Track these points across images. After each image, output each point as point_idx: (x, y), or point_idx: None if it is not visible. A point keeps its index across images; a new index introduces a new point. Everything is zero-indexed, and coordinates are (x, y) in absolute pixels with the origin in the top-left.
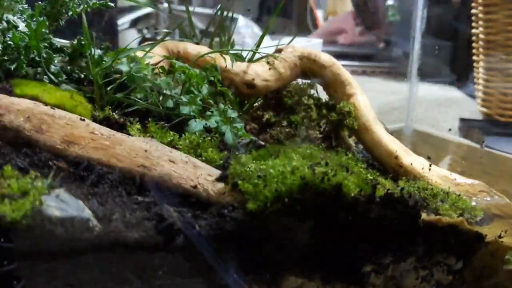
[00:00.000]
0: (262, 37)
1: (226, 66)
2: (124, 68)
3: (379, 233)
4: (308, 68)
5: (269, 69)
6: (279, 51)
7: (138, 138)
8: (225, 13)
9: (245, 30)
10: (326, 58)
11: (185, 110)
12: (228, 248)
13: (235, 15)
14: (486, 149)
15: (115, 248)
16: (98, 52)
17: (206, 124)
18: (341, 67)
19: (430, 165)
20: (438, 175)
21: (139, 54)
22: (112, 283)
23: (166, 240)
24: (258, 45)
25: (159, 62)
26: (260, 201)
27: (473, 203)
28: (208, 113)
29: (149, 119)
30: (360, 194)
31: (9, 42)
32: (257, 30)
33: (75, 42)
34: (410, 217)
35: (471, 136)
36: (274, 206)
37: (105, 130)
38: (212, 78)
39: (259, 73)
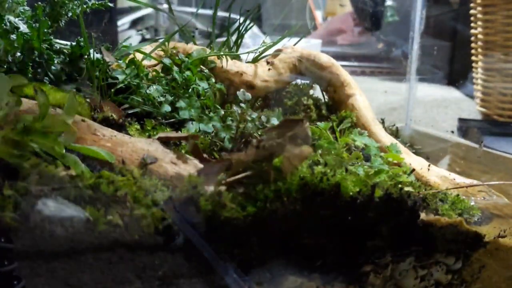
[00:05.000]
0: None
1: (222, 67)
2: (120, 76)
3: (378, 233)
4: (308, 68)
5: (269, 69)
6: (278, 51)
7: (140, 139)
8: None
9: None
10: (325, 59)
11: (184, 115)
12: (228, 248)
13: (234, 16)
14: (485, 149)
15: (114, 248)
16: (97, 56)
17: (203, 127)
18: (340, 68)
19: (429, 165)
20: (437, 175)
21: (138, 55)
22: (112, 283)
23: (165, 240)
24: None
25: (156, 64)
26: (260, 200)
27: (472, 203)
28: (208, 116)
29: (145, 119)
30: (359, 194)
31: (15, 45)
32: (256, 31)
33: (74, 43)
34: (409, 217)
35: (469, 136)
36: (273, 205)
37: (107, 131)
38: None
39: (259, 73)
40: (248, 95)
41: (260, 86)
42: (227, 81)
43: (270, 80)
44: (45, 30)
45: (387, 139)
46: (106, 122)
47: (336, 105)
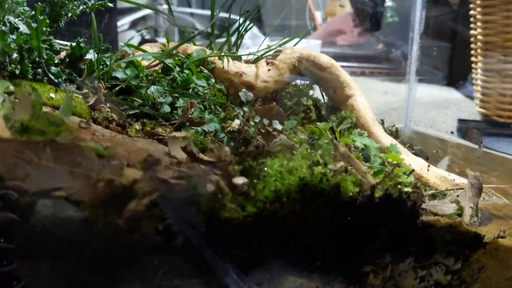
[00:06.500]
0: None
1: (223, 67)
2: (119, 75)
3: (378, 233)
4: (307, 69)
5: (268, 70)
6: (278, 52)
7: (140, 140)
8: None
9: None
10: (325, 60)
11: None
12: (228, 248)
13: (234, 17)
14: (484, 149)
15: (114, 248)
16: (96, 56)
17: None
18: (340, 69)
19: (428, 166)
20: (437, 175)
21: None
22: (111, 284)
23: (165, 241)
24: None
25: (156, 64)
26: (260, 201)
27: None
28: (208, 117)
29: (144, 119)
30: (359, 195)
31: (12, 45)
32: (256, 31)
33: (74, 44)
34: (409, 218)
35: (469, 137)
36: (273, 206)
37: (107, 132)
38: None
39: (259, 74)
40: (250, 95)
41: (259, 86)
42: (227, 82)
43: (270, 81)
44: (44, 29)
45: (387, 140)
46: (106, 122)
47: (336, 105)
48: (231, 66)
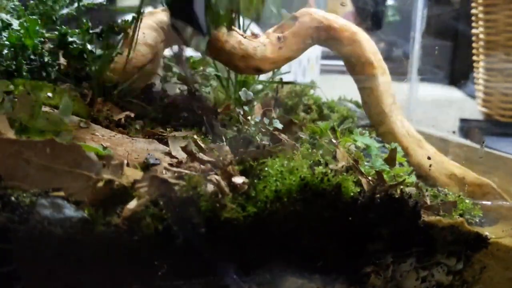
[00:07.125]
0: None
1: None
2: None
3: (379, 233)
4: (327, 42)
5: (279, 48)
6: (294, 19)
7: (139, 139)
8: None
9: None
10: (347, 35)
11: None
12: (228, 249)
13: None
14: (486, 149)
15: (113, 248)
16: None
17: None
18: (364, 44)
19: (430, 166)
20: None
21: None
22: (111, 284)
23: (165, 241)
24: None
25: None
26: (261, 201)
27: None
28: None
29: (144, 119)
30: (360, 195)
31: (5, 42)
32: (257, 30)
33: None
34: (410, 218)
35: (471, 137)
36: (273, 206)
37: (106, 132)
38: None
39: (267, 55)
40: (250, 94)
41: (268, 69)
42: (232, 66)
43: (280, 60)
44: (37, 28)
45: (402, 132)
46: (106, 121)
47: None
48: (236, 48)
